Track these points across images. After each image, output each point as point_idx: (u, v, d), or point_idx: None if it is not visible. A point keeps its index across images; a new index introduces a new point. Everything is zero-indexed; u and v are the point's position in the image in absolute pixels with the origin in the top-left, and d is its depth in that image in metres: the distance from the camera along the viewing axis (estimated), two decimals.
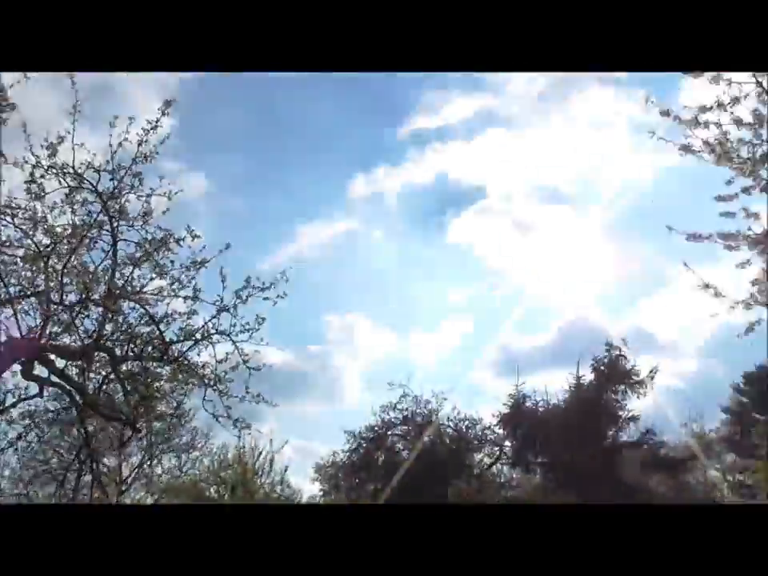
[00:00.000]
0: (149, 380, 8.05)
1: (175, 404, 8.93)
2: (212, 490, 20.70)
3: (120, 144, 7.90)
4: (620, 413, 18.98)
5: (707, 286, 6.44)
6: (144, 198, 8.15)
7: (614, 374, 19.00)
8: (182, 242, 8.12)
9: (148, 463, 20.11)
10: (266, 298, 8.20)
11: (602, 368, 19.04)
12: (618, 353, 18.95)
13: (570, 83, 30.45)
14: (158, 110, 7.93)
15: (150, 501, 20.38)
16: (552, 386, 20.30)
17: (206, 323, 8.18)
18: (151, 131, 7.90)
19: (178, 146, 8.28)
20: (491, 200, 30.66)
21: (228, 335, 8.11)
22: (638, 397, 18.86)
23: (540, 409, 19.81)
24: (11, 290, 8.02)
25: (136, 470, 19.88)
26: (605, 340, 19.19)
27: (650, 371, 18.77)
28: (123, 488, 19.22)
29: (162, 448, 20.09)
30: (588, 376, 19.32)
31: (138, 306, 8.23)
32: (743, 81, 5.09)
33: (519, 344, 27.72)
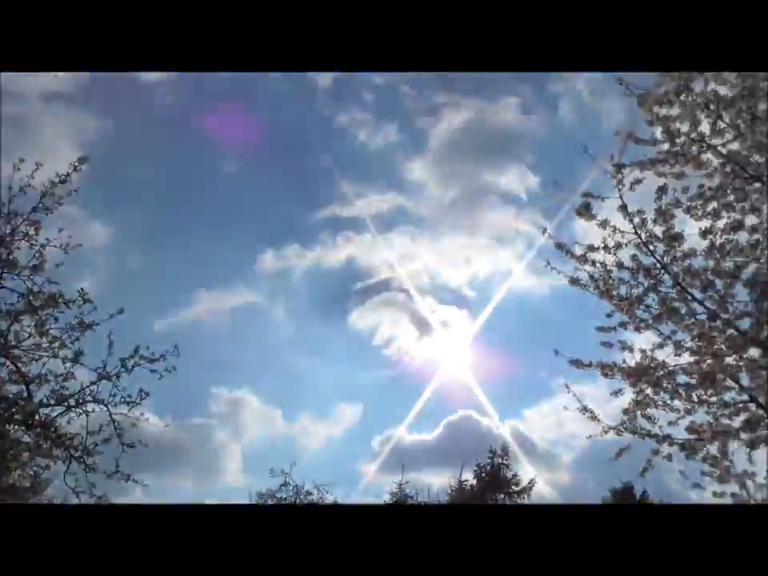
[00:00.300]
0: (6, 446, 7.44)
1: (32, 474, 8.25)
2: None
3: (21, 189, 7.58)
4: None
5: (585, 409, 6.93)
6: (37, 248, 7.73)
7: (495, 481, 19.45)
8: (71, 305, 7.69)
9: None
10: (153, 370, 7.92)
11: (484, 475, 19.47)
12: (500, 461, 19.52)
13: (478, 196, 33.14)
14: (70, 164, 7.70)
15: None
16: (436, 485, 20.45)
17: (82, 388, 7.75)
18: (59, 185, 7.64)
19: (84, 192, 8.06)
20: (394, 293, 31.68)
21: (105, 405, 7.74)
22: None
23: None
24: None
25: None
26: (489, 443, 19.80)
27: (529, 482, 19.40)
28: None
29: None
30: (470, 480, 19.68)
31: (9, 362, 7.68)
32: (625, 231, 5.74)
33: (407, 438, 27.92)
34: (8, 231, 7.67)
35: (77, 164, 7.73)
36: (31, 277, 7.74)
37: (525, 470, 20.09)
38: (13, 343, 7.74)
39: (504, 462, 19.37)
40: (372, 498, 20.50)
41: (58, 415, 7.65)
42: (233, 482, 28.12)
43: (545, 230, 6.15)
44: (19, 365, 7.71)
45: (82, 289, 7.76)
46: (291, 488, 19.90)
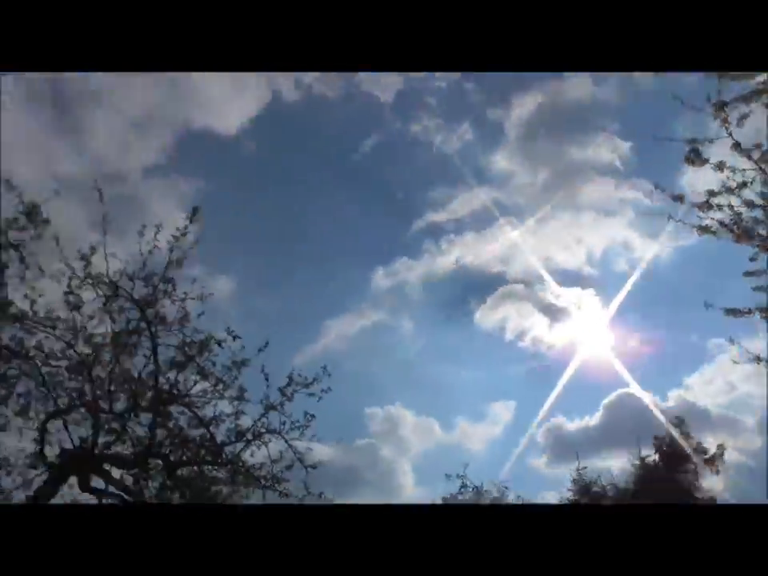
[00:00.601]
0: (206, 485, 8.56)
1: None
2: None
3: (150, 251, 8.67)
4: (696, 494, 18.84)
5: (758, 359, 6.83)
6: (179, 303, 8.89)
7: (681, 452, 19.03)
8: (223, 344, 8.77)
9: None
10: (310, 394, 8.86)
11: (665, 448, 19.11)
12: (679, 430, 19.07)
13: (570, 173, 32.61)
14: (186, 217, 8.72)
15: None
16: (610, 468, 20.32)
17: (255, 422, 8.78)
18: (181, 237, 8.69)
19: (202, 251, 9.18)
20: (512, 286, 31.85)
21: (279, 433, 8.72)
22: (713, 474, 18.76)
23: (609, 494, 19.72)
24: (60, 401, 8.67)
25: None
26: (654, 418, 19.42)
27: (718, 448, 18.79)
28: None
29: None
30: (652, 455, 19.39)
31: (186, 409, 8.89)
32: (747, 168, 5.69)
33: (568, 426, 27.90)
34: (150, 291, 8.87)
35: (191, 215, 8.79)
36: (181, 329, 8.95)
37: (704, 439, 19.54)
38: (184, 392, 9.04)
39: (684, 431, 18.92)
40: (552, 491, 20.73)
41: (240, 450, 8.77)
42: (409, 493, 29.61)
43: (655, 186, 6.21)
44: (195, 410, 8.94)
45: (229, 327, 8.88)
46: (471, 489, 20.71)
